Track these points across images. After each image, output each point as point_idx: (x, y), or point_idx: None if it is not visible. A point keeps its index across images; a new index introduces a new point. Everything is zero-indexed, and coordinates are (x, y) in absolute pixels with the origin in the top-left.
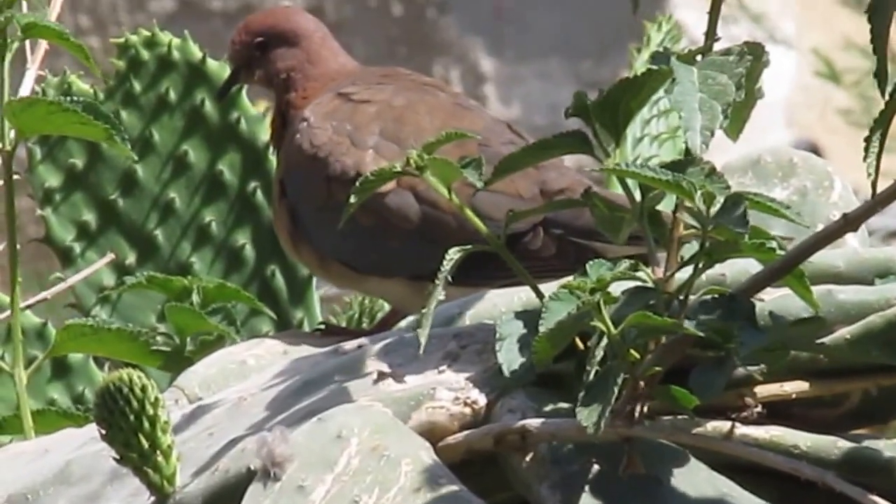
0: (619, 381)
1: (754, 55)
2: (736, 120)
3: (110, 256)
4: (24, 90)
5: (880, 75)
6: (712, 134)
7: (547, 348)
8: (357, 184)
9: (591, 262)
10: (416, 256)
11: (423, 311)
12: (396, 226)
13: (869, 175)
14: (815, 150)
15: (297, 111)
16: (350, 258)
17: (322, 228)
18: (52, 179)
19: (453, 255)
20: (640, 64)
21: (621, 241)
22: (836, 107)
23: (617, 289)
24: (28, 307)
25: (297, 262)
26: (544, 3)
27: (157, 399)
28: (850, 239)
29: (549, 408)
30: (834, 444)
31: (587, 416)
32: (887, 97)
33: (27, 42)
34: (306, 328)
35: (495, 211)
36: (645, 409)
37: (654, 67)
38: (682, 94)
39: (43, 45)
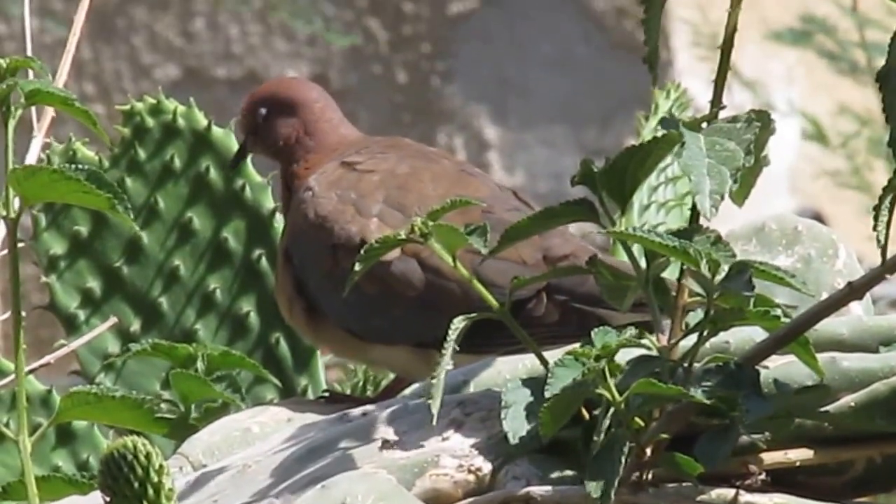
0: (626, 451)
1: (761, 122)
2: (743, 186)
3: (113, 321)
4: (31, 157)
5: (893, 144)
6: (722, 198)
7: (552, 418)
8: (361, 251)
9: (596, 330)
10: (420, 324)
11: (433, 380)
12: (400, 293)
13: (879, 243)
14: (818, 217)
15: (301, 181)
16: (355, 326)
17: (327, 296)
18: (57, 247)
19: (458, 323)
20: (648, 131)
21: (626, 308)
22: (826, 169)
23: (622, 356)
24: (31, 372)
25: None
26: (548, 70)
27: (161, 466)
28: (855, 306)
29: (553, 475)
30: None
31: (595, 489)
32: None
33: (34, 109)
34: (311, 395)
35: (499, 277)
36: (649, 476)
37: (661, 134)
38: (690, 159)
39: (49, 112)
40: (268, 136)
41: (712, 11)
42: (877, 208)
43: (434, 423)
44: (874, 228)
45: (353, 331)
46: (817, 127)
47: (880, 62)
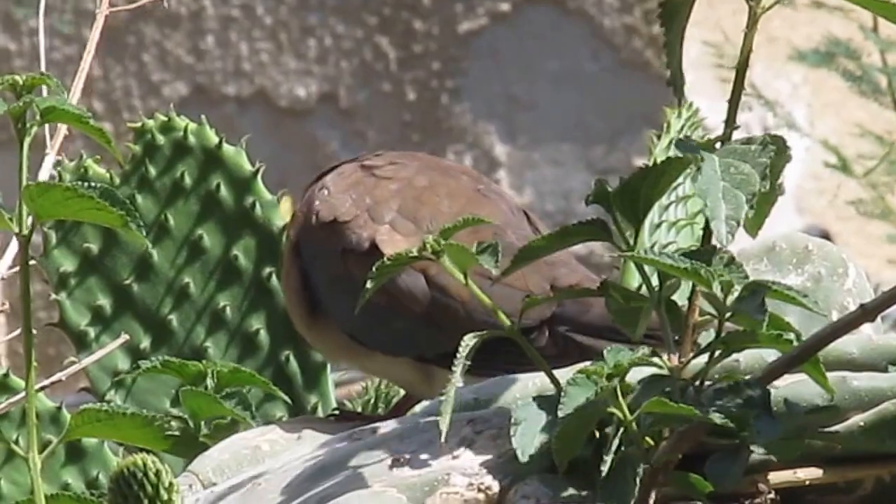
0: (640, 472)
1: (777, 147)
2: (757, 215)
3: (124, 338)
4: (43, 175)
5: None
6: (738, 224)
7: (566, 444)
8: (374, 268)
9: (608, 348)
10: (422, 339)
11: (443, 398)
12: (405, 307)
13: None
14: (826, 236)
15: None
16: (359, 333)
17: (334, 300)
18: (67, 264)
19: (469, 340)
20: (660, 150)
21: (639, 335)
22: (846, 196)
23: (633, 376)
24: (42, 389)
25: (311, 349)
26: (557, 88)
27: (171, 484)
28: (864, 326)
29: (564, 494)
30: None
31: None
32: None
33: (46, 126)
34: (321, 413)
35: (505, 303)
36: (658, 495)
37: (675, 155)
38: (706, 183)
39: (62, 130)
40: None
41: (721, 32)
42: None
43: (443, 439)
44: None
45: (357, 338)
46: (839, 156)
47: None
